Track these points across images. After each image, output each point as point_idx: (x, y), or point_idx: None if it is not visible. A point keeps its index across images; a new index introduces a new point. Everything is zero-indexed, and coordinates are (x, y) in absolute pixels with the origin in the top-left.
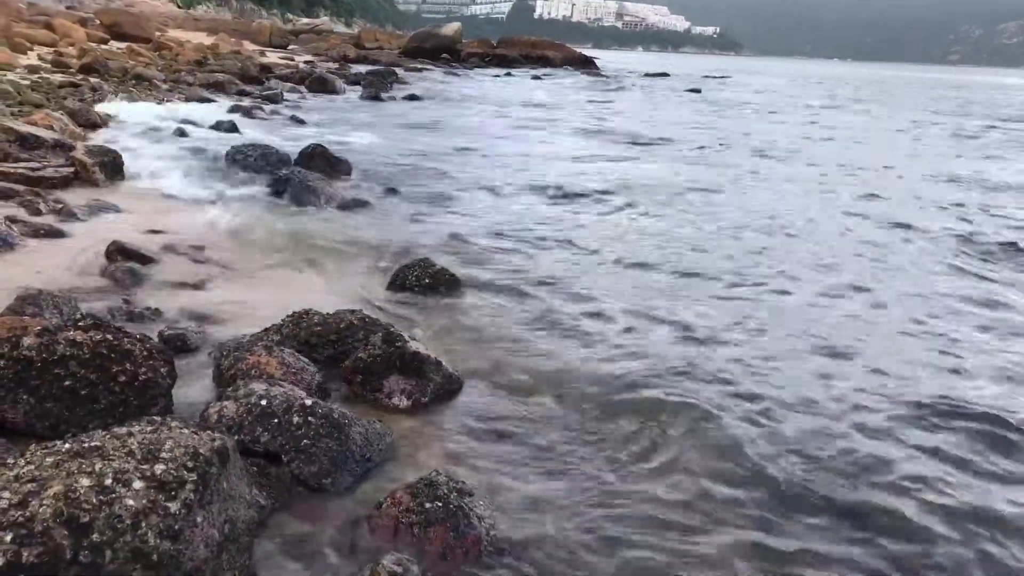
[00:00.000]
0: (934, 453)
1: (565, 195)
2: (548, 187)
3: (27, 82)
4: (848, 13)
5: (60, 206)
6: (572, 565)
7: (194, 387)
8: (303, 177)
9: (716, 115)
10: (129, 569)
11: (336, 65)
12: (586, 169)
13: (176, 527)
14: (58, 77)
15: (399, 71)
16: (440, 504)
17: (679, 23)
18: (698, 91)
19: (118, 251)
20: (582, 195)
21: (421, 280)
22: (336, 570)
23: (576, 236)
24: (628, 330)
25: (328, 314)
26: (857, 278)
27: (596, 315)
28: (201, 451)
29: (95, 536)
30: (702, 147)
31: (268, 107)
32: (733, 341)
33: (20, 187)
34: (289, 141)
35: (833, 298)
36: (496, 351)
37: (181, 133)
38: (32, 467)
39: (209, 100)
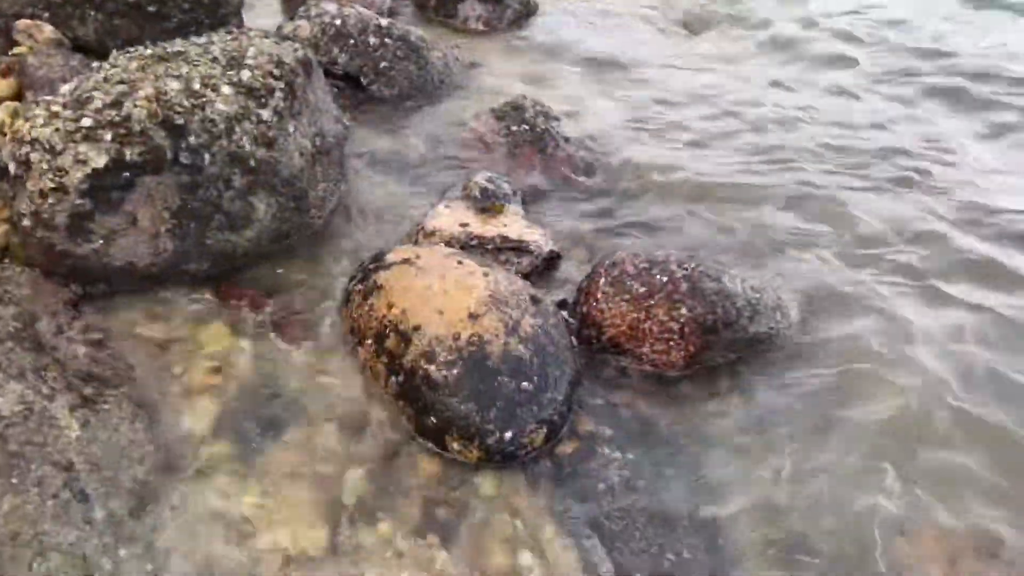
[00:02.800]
0: None
1: None
2: None
3: None
4: None
5: None
6: (662, 190)
7: (262, 12)
8: None
9: None
10: (228, 172)
11: None
12: None
13: (270, 135)
14: None
15: None
16: (527, 127)
17: None
18: None
19: None
20: None
21: None
22: (422, 181)
23: None
24: None
25: None
26: None
27: None
28: (285, 60)
29: (192, 139)
30: None
31: None
32: None
33: None
34: None
35: None
36: None
37: None
38: (119, 70)
39: None
